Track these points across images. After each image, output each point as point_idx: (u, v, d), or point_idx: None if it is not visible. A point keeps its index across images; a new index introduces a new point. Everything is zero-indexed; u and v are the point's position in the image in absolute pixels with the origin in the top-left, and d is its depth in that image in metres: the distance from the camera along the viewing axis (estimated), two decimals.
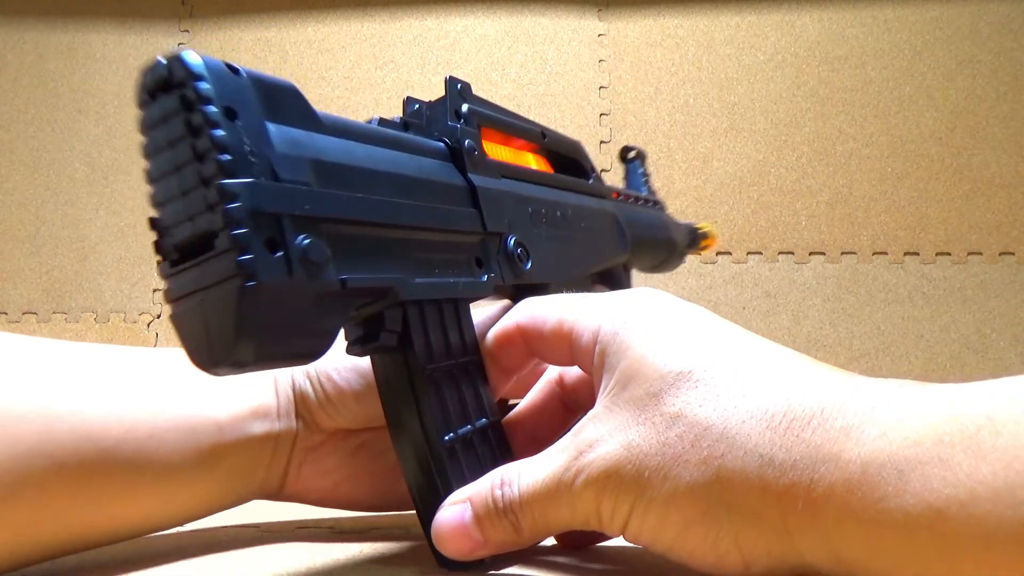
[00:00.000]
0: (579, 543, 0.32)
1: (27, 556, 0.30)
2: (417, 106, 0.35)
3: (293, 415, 0.36)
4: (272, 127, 0.24)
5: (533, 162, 0.42)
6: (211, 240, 0.22)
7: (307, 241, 0.24)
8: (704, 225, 0.71)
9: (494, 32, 1.13)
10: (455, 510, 0.28)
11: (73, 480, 0.29)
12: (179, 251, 0.24)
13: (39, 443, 0.28)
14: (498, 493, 0.27)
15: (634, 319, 0.27)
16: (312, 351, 0.25)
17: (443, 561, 0.28)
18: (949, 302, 1.07)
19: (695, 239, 0.69)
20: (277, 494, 0.37)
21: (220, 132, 0.22)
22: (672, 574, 0.27)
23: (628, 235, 0.51)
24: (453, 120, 0.35)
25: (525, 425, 0.33)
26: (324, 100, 1.12)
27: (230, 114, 0.23)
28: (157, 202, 0.24)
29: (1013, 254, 1.07)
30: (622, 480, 0.25)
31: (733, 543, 0.23)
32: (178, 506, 0.33)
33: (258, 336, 0.22)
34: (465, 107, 0.36)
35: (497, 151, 0.38)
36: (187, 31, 1.15)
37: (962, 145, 1.09)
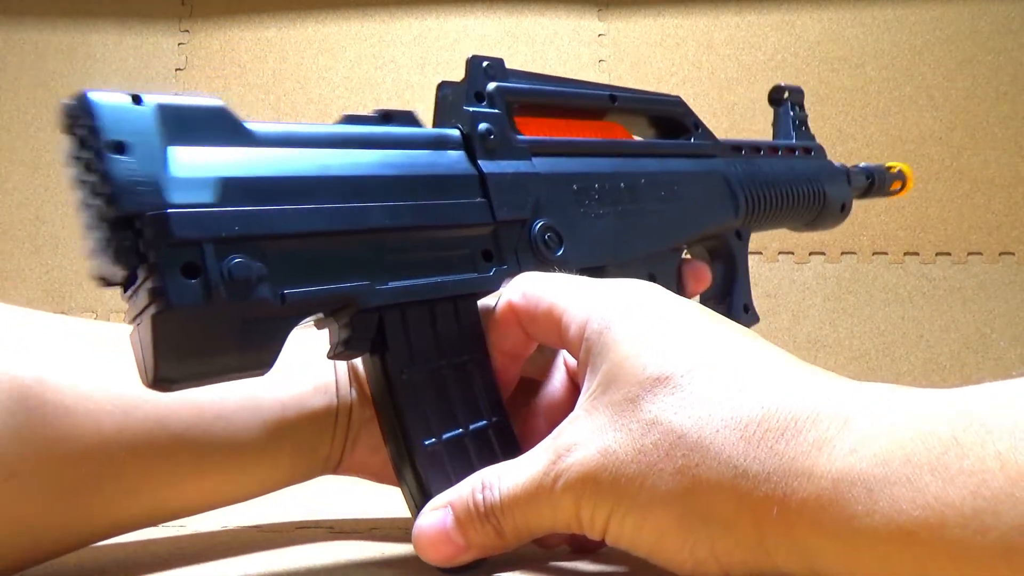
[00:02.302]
0: (588, 548, 0.32)
1: (105, 533, 0.32)
2: (445, 91, 0.34)
3: (349, 388, 0.36)
4: (178, 151, 0.24)
5: (600, 131, 0.39)
6: (136, 270, 0.24)
7: (235, 261, 0.24)
8: (896, 164, 0.59)
9: (494, 32, 1.13)
10: (436, 515, 0.28)
11: (147, 464, 0.30)
12: (127, 278, 0.25)
13: (117, 432, 0.30)
14: (479, 497, 0.27)
15: (620, 317, 0.27)
16: (255, 365, 0.25)
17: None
18: (949, 302, 1.07)
19: (877, 183, 0.57)
20: (338, 468, 0.37)
21: (104, 167, 0.23)
22: None
23: (743, 196, 0.45)
24: (472, 103, 0.33)
25: (543, 409, 0.33)
26: (324, 100, 1.12)
27: (117, 147, 0.23)
28: (84, 232, 0.25)
29: (1013, 254, 1.07)
30: (599, 487, 0.24)
31: (709, 552, 0.23)
32: (247, 482, 0.34)
33: (181, 358, 0.24)
34: (492, 86, 0.34)
35: (544, 126, 0.36)
36: (187, 31, 1.15)
37: (962, 145, 1.09)
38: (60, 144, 0.25)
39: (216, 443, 0.32)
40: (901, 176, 0.60)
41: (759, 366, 0.25)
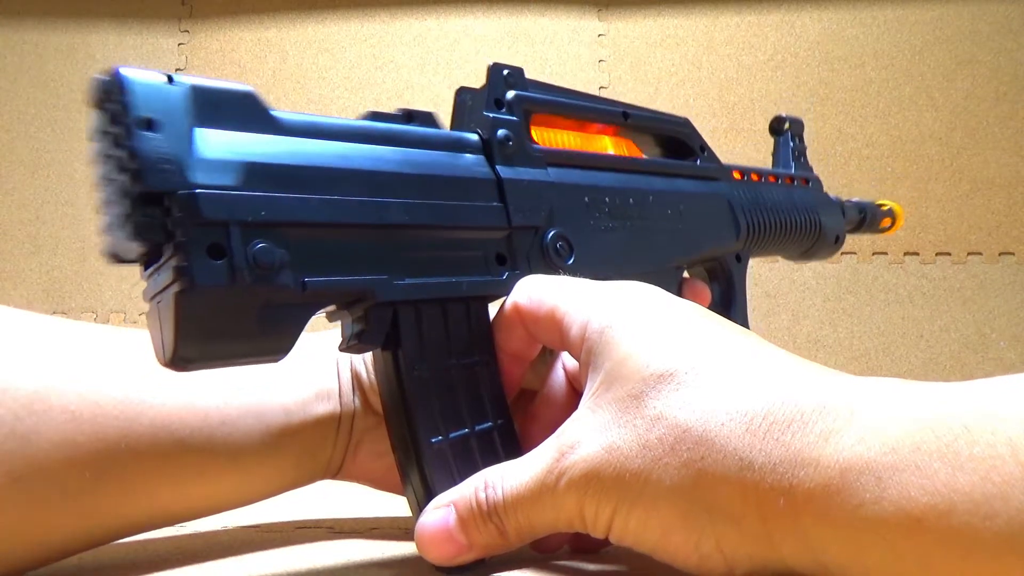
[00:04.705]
0: (589, 547, 0.32)
1: (109, 536, 0.32)
2: (465, 96, 0.34)
3: (352, 395, 0.36)
4: (206, 133, 0.25)
5: (611, 146, 0.39)
6: (161, 248, 0.24)
7: (259, 246, 0.24)
8: (887, 203, 0.61)
9: (494, 32, 1.13)
10: (439, 514, 0.28)
11: (151, 469, 0.31)
12: (145, 255, 0.25)
13: (120, 437, 0.30)
14: (482, 496, 0.27)
15: (621, 317, 0.27)
16: (272, 350, 0.26)
17: (437, 566, 0.28)
18: (949, 302, 1.07)
19: (868, 218, 0.60)
20: (338, 474, 0.38)
21: (133, 143, 0.23)
22: None
23: (744, 221, 0.46)
24: (492, 109, 0.34)
25: (541, 415, 0.33)
26: (324, 100, 1.12)
27: (147, 124, 0.23)
28: (102, 207, 0.25)
29: (1013, 254, 1.07)
30: (603, 483, 0.24)
31: (715, 546, 0.23)
32: (250, 487, 0.34)
33: (201, 338, 0.24)
34: (511, 94, 0.34)
35: (559, 137, 0.37)
36: (187, 31, 1.15)
37: (962, 145, 1.09)
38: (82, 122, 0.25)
39: (219, 448, 0.32)
40: (891, 214, 0.62)
41: (763, 362, 0.25)
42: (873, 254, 1.08)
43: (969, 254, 1.07)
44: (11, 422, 0.27)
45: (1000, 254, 1.07)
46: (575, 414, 0.27)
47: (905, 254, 1.08)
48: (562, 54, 1.12)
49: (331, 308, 0.29)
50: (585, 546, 0.32)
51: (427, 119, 0.32)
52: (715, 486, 0.23)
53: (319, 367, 0.36)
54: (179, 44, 1.15)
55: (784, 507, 0.22)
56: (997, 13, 1.10)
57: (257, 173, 0.25)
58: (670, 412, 0.24)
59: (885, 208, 0.62)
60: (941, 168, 1.09)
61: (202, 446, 0.32)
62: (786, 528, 0.22)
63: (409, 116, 0.32)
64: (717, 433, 0.23)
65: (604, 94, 1.14)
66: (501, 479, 0.27)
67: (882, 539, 0.20)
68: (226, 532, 0.39)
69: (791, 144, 0.59)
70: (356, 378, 0.36)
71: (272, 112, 0.27)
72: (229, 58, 1.14)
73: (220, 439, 0.32)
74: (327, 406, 0.35)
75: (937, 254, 1.08)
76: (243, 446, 0.33)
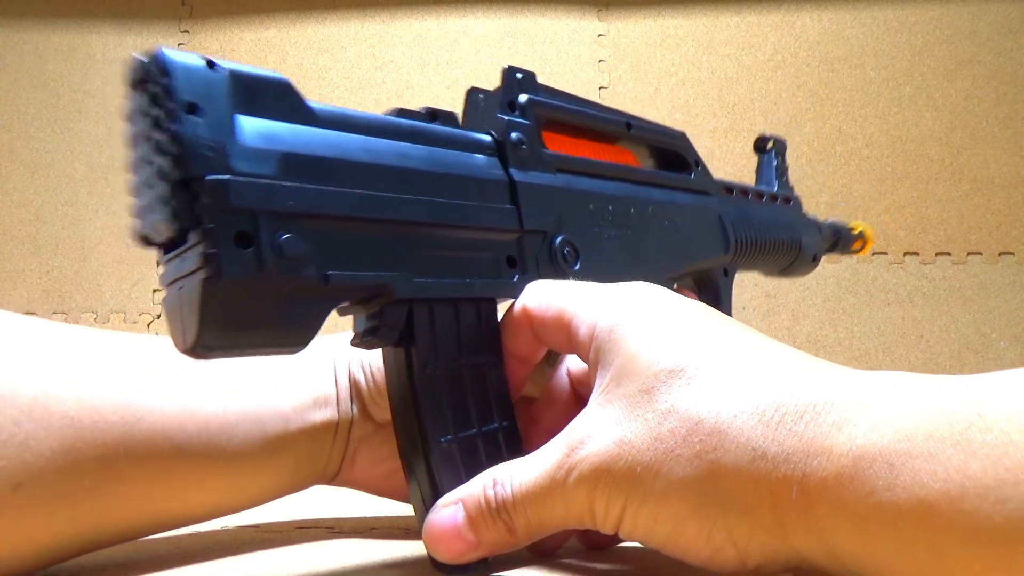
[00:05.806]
0: (598, 544, 0.32)
1: (108, 541, 0.32)
2: (477, 97, 0.34)
3: (350, 402, 0.36)
4: (245, 120, 0.24)
5: (613, 155, 0.40)
6: (186, 233, 0.23)
7: (285, 237, 0.24)
8: (858, 225, 0.64)
9: (494, 32, 1.13)
10: (447, 512, 0.28)
11: (150, 473, 0.31)
12: (169, 240, 0.24)
13: (119, 442, 0.30)
14: (490, 493, 0.27)
15: (629, 316, 0.27)
16: (291, 343, 0.25)
17: (439, 565, 0.28)
18: (949, 302, 1.07)
19: (841, 240, 0.62)
20: (334, 479, 0.38)
21: (176, 126, 0.23)
22: (675, 575, 0.27)
23: (733, 236, 0.47)
24: (505, 112, 0.34)
25: (543, 419, 0.33)
26: (324, 100, 1.12)
27: (191, 109, 0.23)
28: (133, 190, 0.25)
29: (1013, 254, 1.07)
30: (614, 477, 0.24)
31: (727, 538, 0.23)
32: (247, 492, 0.35)
33: (224, 327, 0.23)
34: (524, 98, 0.34)
35: (565, 144, 0.37)
36: (187, 31, 1.15)
37: (962, 145, 1.09)
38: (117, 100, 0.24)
39: (218, 454, 0.32)
40: (862, 236, 0.65)
41: (773, 358, 0.25)
42: (873, 254, 1.08)
43: (969, 254, 1.07)
44: (10, 428, 0.27)
45: (1000, 254, 1.07)
46: (584, 410, 0.27)
47: (905, 254, 1.08)
48: (562, 54, 1.12)
49: (344, 303, 0.29)
50: (594, 543, 0.32)
51: (450, 119, 0.32)
52: (728, 477, 0.23)
53: (317, 373, 0.36)
54: (179, 44, 1.15)
55: (797, 497, 0.22)
56: (997, 13, 1.10)
57: (291, 163, 0.25)
58: (682, 405, 0.24)
59: (856, 231, 0.64)
60: (941, 168, 1.09)
61: (201, 452, 0.32)
62: (799, 518, 0.22)
63: (433, 115, 0.32)
64: (730, 424, 0.23)
65: (604, 94, 1.14)
66: (510, 476, 0.27)
67: (894, 527, 0.20)
68: (226, 532, 0.39)
69: (774, 163, 0.60)
70: (355, 386, 0.36)
71: (307, 102, 0.27)
72: (229, 58, 1.13)
73: (219, 445, 0.32)
74: (325, 413, 0.35)
75: (937, 254, 1.08)
76: (241, 452, 0.33)
